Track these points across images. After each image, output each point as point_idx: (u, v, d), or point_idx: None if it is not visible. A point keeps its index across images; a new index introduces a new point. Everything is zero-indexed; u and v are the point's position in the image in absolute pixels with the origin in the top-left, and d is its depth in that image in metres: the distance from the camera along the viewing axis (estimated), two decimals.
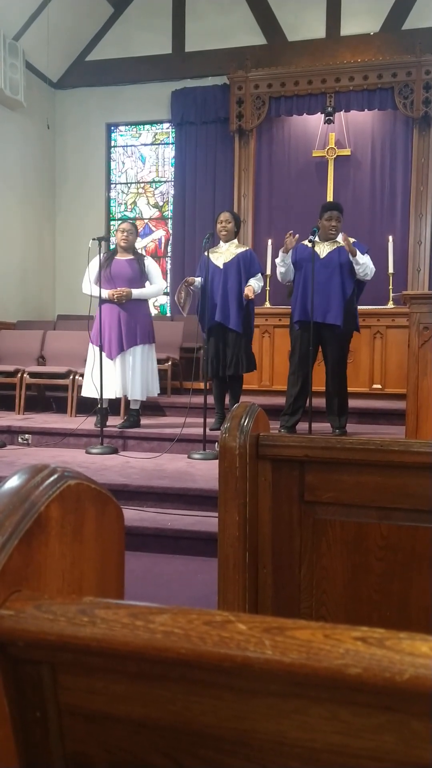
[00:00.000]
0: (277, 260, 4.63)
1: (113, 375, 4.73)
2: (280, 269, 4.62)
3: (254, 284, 4.68)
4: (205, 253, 4.62)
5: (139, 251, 5.04)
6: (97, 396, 4.72)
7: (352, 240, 4.50)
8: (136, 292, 4.77)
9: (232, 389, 4.86)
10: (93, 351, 4.76)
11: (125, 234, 4.86)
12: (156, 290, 4.97)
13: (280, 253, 4.59)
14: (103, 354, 4.65)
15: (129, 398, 4.91)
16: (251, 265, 4.73)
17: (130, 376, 4.76)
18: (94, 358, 4.72)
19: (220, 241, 4.83)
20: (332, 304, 4.38)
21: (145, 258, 5.00)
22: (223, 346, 4.69)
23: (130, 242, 4.90)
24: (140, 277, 4.84)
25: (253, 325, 4.86)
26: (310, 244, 4.40)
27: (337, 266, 4.42)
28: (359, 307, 4.73)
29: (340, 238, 4.50)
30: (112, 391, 4.75)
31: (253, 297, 4.62)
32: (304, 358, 4.45)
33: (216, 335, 4.65)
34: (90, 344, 4.82)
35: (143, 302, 4.91)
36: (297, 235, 4.53)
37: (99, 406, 4.75)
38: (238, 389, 4.86)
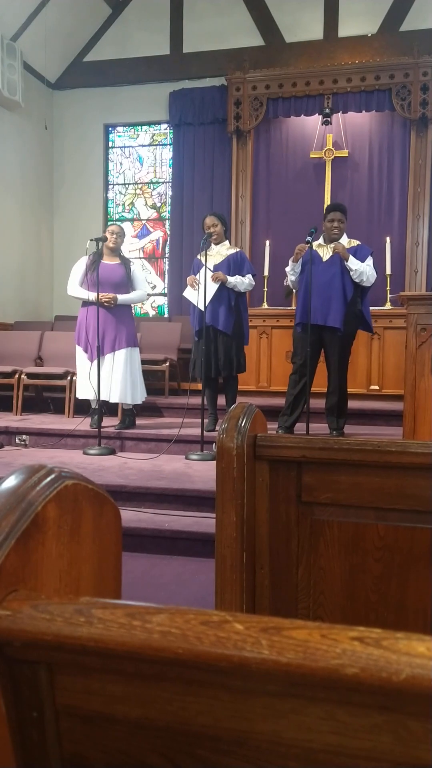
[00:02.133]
0: (287, 269, 4.67)
1: (102, 377, 4.74)
2: (291, 277, 4.66)
3: (232, 279, 4.62)
4: (198, 257, 4.63)
5: (125, 255, 5.05)
6: (84, 396, 4.81)
7: (356, 243, 4.52)
8: (121, 298, 4.81)
9: (227, 391, 4.85)
10: (80, 352, 4.80)
11: (115, 236, 4.89)
12: (140, 296, 5.03)
13: (290, 263, 4.61)
14: (86, 355, 4.70)
15: (118, 401, 4.91)
16: (241, 267, 4.72)
17: (114, 378, 4.78)
18: (80, 359, 4.80)
19: (211, 244, 4.83)
20: (333, 307, 4.38)
21: (132, 263, 5.06)
22: (215, 348, 4.68)
23: (119, 245, 4.96)
24: (126, 283, 4.89)
25: (245, 327, 4.83)
26: (308, 245, 4.40)
27: (339, 269, 4.42)
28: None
29: (344, 239, 4.50)
30: (104, 393, 4.77)
31: (222, 281, 4.56)
32: (303, 361, 4.45)
33: (207, 337, 4.65)
34: (77, 346, 4.84)
35: (128, 307, 4.99)
36: (304, 250, 4.53)
37: (94, 407, 4.77)
38: (233, 390, 4.85)
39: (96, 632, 0.53)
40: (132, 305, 5.11)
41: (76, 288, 4.80)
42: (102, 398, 4.82)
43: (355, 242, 4.57)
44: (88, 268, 4.76)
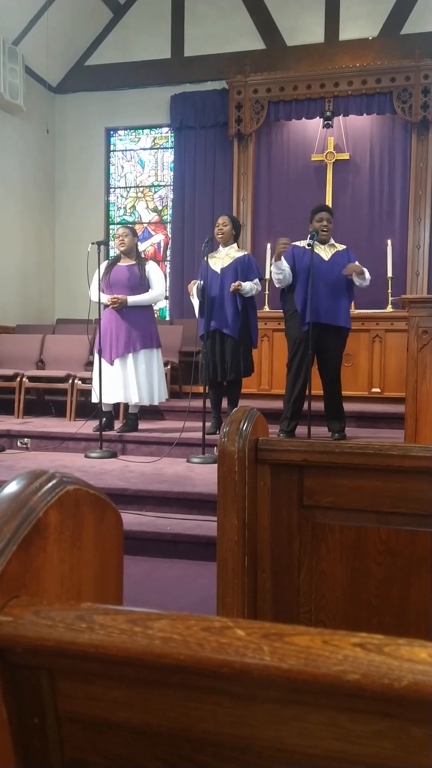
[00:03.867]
0: (273, 269, 4.51)
1: (115, 380, 4.71)
2: (277, 276, 4.48)
3: (246, 284, 4.62)
4: (205, 259, 4.62)
5: (141, 256, 5.00)
6: (103, 401, 4.74)
7: (342, 247, 4.53)
8: (131, 300, 4.72)
9: (231, 394, 4.85)
10: (97, 357, 4.76)
11: (121, 238, 4.85)
12: (154, 296, 4.84)
13: (273, 262, 4.48)
14: (103, 359, 4.66)
15: (130, 404, 4.89)
16: (249, 271, 4.70)
17: (131, 381, 4.74)
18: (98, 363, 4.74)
19: (219, 246, 4.83)
20: (342, 306, 4.38)
21: (147, 263, 4.93)
22: (221, 352, 4.68)
23: (129, 245, 4.86)
24: (139, 283, 4.78)
25: (253, 331, 4.80)
26: (309, 248, 4.38)
27: (342, 268, 4.42)
28: (358, 310, 4.74)
29: (349, 269, 4.44)
30: (113, 396, 4.73)
31: (239, 291, 4.57)
32: (307, 362, 4.41)
33: (214, 340, 4.64)
34: (95, 350, 4.81)
35: (145, 307, 4.85)
36: (289, 244, 4.47)
37: (100, 410, 4.75)
38: (236, 394, 4.85)
39: (97, 638, 0.53)
40: (152, 306, 4.94)
41: (94, 292, 4.77)
42: (117, 401, 4.80)
43: (341, 246, 4.56)
44: (104, 272, 4.74)
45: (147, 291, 4.82)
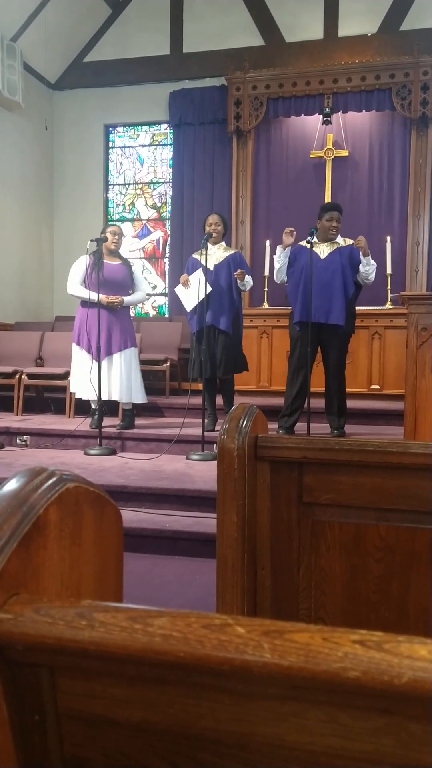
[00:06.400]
0: (275, 256, 4.63)
1: (104, 377, 4.74)
2: (276, 265, 4.61)
3: (248, 278, 4.72)
4: (194, 256, 4.66)
5: (123, 256, 5.07)
6: (84, 396, 4.82)
7: (350, 241, 4.51)
8: (127, 300, 4.87)
9: (225, 391, 4.85)
10: (79, 352, 4.79)
11: (116, 237, 4.89)
12: (142, 297, 5.12)
13: (278, 249, 4.58)
14: (88, 356, 4.69)
15: (121, 401, 4.92)
16: (241, 267, 4.74)
17: (121, 378, 4.78)
18: (79, 358, 4.79)
19: (208, 243, 4.82)
20: (335, 305, 4.38)
21: (132, 264, 5.11)
22: (214, 348, 4.68)
23: (119, 245, 4.98)
24: (130, 284, 4.94)
25: (242, 326, 4.87)
26: (308, 245, 4.39)
27: (338, 267, 4.42)
28: (357, 307, 4.74)
29: (358, 239, 4.48)
30: (104, 393, 4.75)
31: (242, 280, 4.62)
32: (304, 359, 4.44)
33: (206, 337, 4.64)
34: (74, 345, 4.83)
35: (128, 307, 5.05)
36: (295, 233, 4.53)
37: (94, 407, 4.77)
38: (230, 390, 4.86)
39: (97, 636, 0.53)
40: (132, 306, 5.14)
41: (77, 287, 4.78)
42: (110, 398, 4.83)
43: (350, 241, 4.56)
44: (90, 268, 4.75)
45: (132, 291, 4.97)
